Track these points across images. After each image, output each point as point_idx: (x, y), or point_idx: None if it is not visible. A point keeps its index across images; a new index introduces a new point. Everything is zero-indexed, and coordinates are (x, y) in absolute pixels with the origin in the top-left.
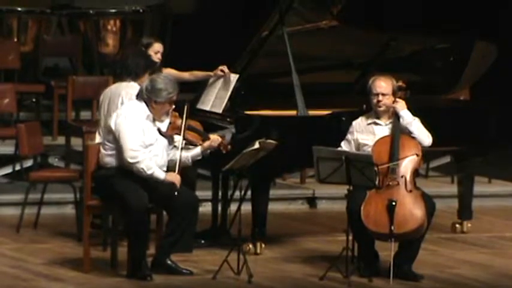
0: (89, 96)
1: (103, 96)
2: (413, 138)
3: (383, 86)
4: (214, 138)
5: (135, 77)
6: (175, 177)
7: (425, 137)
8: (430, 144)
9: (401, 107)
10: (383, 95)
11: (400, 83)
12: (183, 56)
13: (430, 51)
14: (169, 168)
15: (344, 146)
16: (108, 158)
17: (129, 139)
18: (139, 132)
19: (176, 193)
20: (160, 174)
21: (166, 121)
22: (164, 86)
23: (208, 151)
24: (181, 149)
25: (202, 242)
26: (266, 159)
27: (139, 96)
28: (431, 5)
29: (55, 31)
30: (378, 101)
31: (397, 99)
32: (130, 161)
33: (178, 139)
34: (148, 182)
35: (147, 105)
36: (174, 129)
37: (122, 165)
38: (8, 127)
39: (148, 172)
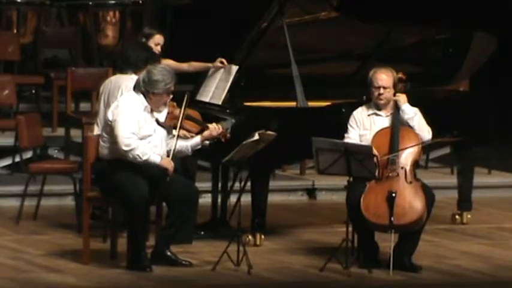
0: (89, 88)
1: (103, 87)
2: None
3: (384, 79)
4: (214, 128)
5: (135, 69)
6: (168, 163)
7: (425, 133)
8: (428, 140)
9: (403, 101)
10: (384, 88)
11: (400, 75)
12: (182, 47)
13: (430, 42)
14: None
15: (352, 135)
16: (107, 150)
17: (122, 127)
18: (134, 122)
19: (168, 178)
20: (156, 158)
21: (165, 111)
22: (161, 77)
23: (208, 142)
24: (177, 136)
25: (202, 233)
26: (266, 151)
27: (136, 88)
28: None
29: (54, 23)
30: (379, 94)
31: (398, 94)
32: (125, 148)
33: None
34: (148, 172)
35: (145, 97)
36: (172, 119)
37: (119, 156)
38: (7, 119)
39: (144, 158)
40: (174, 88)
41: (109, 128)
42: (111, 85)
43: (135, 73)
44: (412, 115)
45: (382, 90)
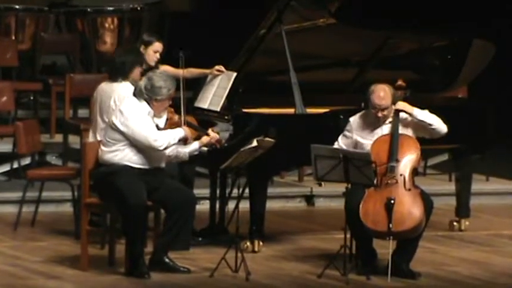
0: (87, 94)
1: (95, 94)
2: (412, 137)
3: (382, 100)
4: (215, 136)
5: (123, 76)
6: (189, 132)
7: (442, 126)
8: (446, 131)
9: (410, 108)
10: (382, 109)
11: (400, 82)
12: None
13: (428, 49)
14: (168, 164)
15: (341, 141)
16: (109, 155)
17: (147, 132)
18: (150, 121)
19: (187, 142)
20: (181, 133)
21: (164, 117)
22: (164, 83)
23: (206, 148)
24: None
25: (200, 239)
26: (264, 157)
27: (138, 95)
28: (429, 3)
29: (53, 29)
30: (378, 116)
31: (400, 103)
32: (160, 148)
33: None
34: (146, 178)
35: (148, 103)
36: (171, 124)
37: (122, 160)
38: (5, 125)
39: (176, 141)
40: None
41: (116, 134)
42: (103, 93)
43: (125, 80)
44: (427, 114)
45: (380, 114)
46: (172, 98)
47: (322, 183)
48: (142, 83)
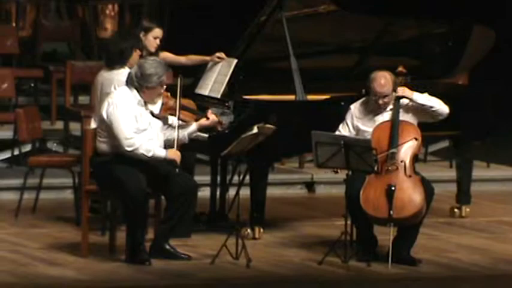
0: (87, 81)
1: (96, 82)
2: (412, 123)
3: (384, 87)
4: (212, 118)
5: (122, 62)
6: (174, 154)
7: (444, 107)
8: (448, 112)
9: (410, 93)
10: (383, 97)
11: (401, 68)
12: (181, 40)
13: (429, 35)
14: (167, 147)
15: (342, 130)
16: (104, 145)
17: (123, 128)
18: (132, 119)
19: (177, 170)
20: (161, 153)
21: (159, 103)
22: (154, 70)
23: (207, 135)
24: (178, 127)
25: (201, 226)
26: (265, 144)
27: (129, 83)
28: None
29: (53, 16)
30: (379, 104)
31: (399, 88)
32: (128, 149)
33: (172, 119)
34: (146, 166)
35: (138, 91)
36: (167, 109)
37: (117, 151)
38: (6, 112)
39: (149, 154)
40: (169, 80)
41: (105, 125)
42: (104, 80)
43: (123, 66)
44: (427, 97)
45: (381, 101)
46: (166, 85)
47: (338, 170)
48: (133, 70)
